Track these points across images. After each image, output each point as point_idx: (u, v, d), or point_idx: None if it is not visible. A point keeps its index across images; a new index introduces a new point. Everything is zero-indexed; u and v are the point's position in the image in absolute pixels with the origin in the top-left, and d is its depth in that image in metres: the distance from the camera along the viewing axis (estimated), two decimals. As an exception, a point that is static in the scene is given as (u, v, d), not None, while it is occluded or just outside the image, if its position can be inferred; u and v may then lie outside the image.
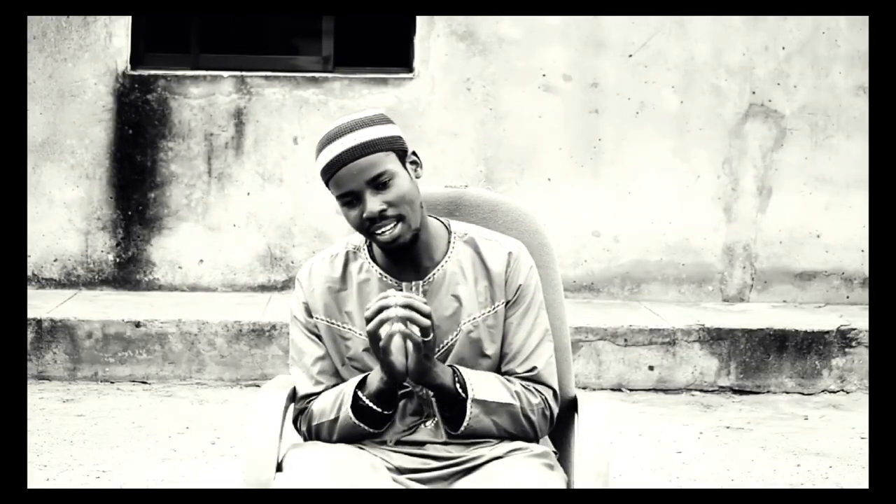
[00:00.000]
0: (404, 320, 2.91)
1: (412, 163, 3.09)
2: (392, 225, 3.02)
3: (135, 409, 6.01)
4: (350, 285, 3.16)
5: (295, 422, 3.23)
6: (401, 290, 3.09)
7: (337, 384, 3.17)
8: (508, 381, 3.13)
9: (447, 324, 3.13)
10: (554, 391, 3.18)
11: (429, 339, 2.95)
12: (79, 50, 7.25)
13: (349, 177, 3.01)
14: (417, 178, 3.09)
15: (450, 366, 3.09)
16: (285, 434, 3.20)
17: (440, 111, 7.30)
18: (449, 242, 3.17)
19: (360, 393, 3.07)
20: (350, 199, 3.03)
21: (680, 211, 7.44)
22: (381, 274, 3.14)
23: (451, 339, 3.14)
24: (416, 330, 2.92)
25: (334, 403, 3.11)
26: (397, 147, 3.05)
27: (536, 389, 3.15)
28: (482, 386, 3.07)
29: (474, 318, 3.14)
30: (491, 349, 3.15)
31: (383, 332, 2.94)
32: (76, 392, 6.30)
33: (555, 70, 7.37)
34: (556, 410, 3.20)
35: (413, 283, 3.07)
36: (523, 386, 3.13)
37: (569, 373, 3.35)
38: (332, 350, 3.17)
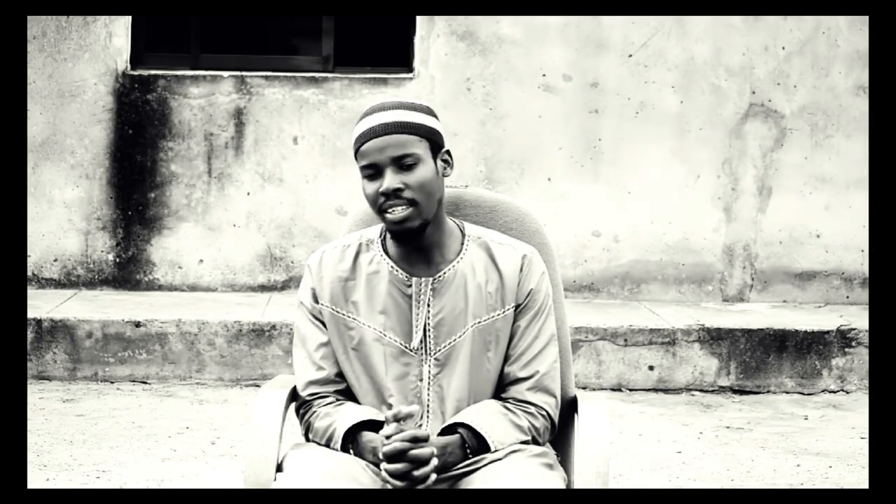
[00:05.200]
0: (403, 474, 2.94)
1: (444, 160, 3.14)
2: (403, 206, 3.05)
3: (135, 409, 6.01)
4: (359, 276, 3.17)
5: (297, 411, 3.23)
6: (410, 285, 3.12)
7: (339, 373, 3.18)
8: (513, 412, 3.14)
9: (455, 322, 3.14)
10: (556, 400, 3.19)
11: (429, 480, 2.97)
12: (79, 50, 7.25)
13: (376, 150, 3.05)
14: (445, 175, 3.13)
15: (454, 427, 3.09)
16: (285, 434, 3.20)
17: (440, 111, 7.29)
18: (462, 243, 3.19)
19: (350, 446, 3.10)
20: (372, 172, 3.07)
21: (680, 211, 7.44)
22: (391, 267, 3.15)
23: (457, 338, 3.14)
24: (424, 469, 2.96)
25: (325, 432, 3.13)
26: (433, 139, 3.10)
27: (539, 410, 3.16)
28: (496, 437, 3.09)
29: (482, 320, 3.15)
30: (497, 351, 3.16)
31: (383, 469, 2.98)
32: (76, 392, 6.30)
33: (555, 70, 7.37)
34: (557, 420, 3.21)
35: (423, 279, 3.12)
36: (525, 411, 3.15)
37: (569, 373, 3.35)
38: (335, 338, 3.17)
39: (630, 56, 7.38)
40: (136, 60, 7.36)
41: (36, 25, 7.22)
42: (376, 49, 7.67)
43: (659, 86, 7.40)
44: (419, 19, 7.33)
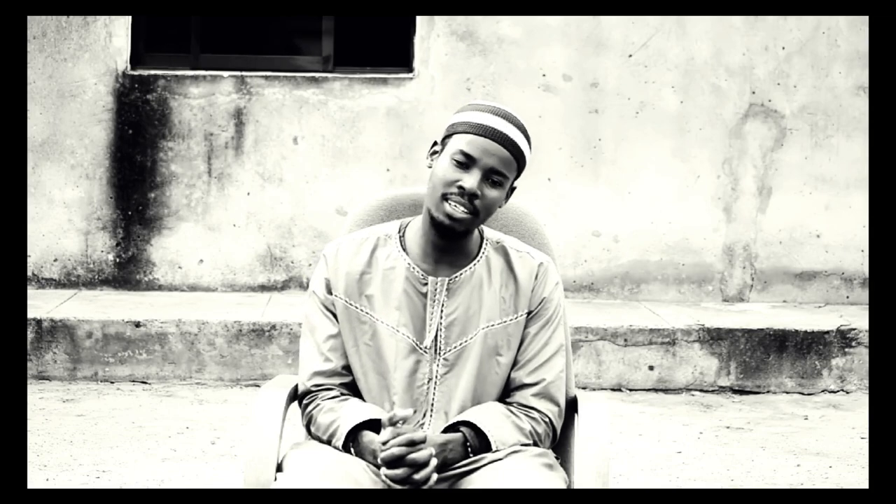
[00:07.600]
0: (403, 479, 2.95)
1: (509, 191, 3.18)
2: (466, 210, 3.08)
3: (135, 409, 6.01)
4: (375, 270, 3.18)
5: (300, 401, 3.23)
6: (425, 283, 3.14)
7: (345, 366, 3.18)
8: (516, 415, 3.15)
9: (467, 324, 3.16)
10: (560, 409, 3.20)
11: (430, 481, 2.98)
12: (79, 50, 7.25)
13: (484, 150, 3.08)
14: (500, 205, 3.16)
15: (457, 427, 3.10)
16: (285, 434, 3.20)
17: (440, 111, 7.30)
18: (481, 246, 3.21)
19: (351, 445, 3.10)
20: (463, 161, 3.08)
21: (680, 211, 7.44)
22: (409, 263, 3.16)
23: (468, 340, 3.15)
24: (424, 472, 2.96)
25: (328, 428, 3.13)
26: (520, 172, 3.16)
27: (542, 416, 3.17)
28: (498, 437, 3.10)
29: (494, 324, 3.16)
30: (506, 355, 3.18)
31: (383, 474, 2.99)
32: (76, 392, 6.30)
33: (555, 70, 7.37)
34: (559, 429, 3.22)
35: (439, 279, 3.14)
36: (528, 416, 3.16)
37: (569, 373, 3.35)
38: (346, 331, 3.18)
39: (630, 56, 7.38)
40: (136, 60, 7.36)
41: (36, 25, 7.22)
42: (376, 49, 7.67)
43: (659, 86, 7.40)
44: (419, 19, 7.33)
